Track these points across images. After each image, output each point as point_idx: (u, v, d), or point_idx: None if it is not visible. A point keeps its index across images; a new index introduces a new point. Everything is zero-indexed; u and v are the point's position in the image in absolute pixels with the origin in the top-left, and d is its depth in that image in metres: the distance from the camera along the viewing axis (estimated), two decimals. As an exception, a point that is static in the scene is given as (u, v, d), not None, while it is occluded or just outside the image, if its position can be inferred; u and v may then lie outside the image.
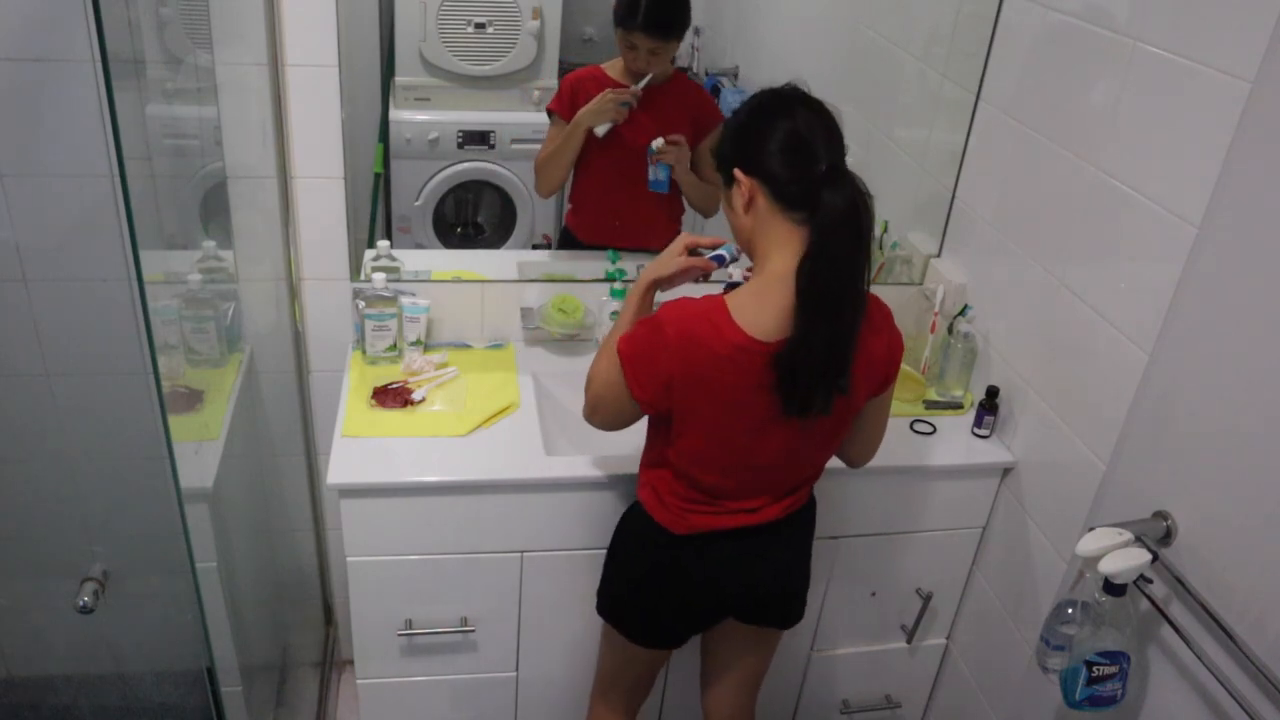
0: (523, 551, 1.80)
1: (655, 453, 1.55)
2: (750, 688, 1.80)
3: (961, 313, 2.01)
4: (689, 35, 2.35)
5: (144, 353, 1.20)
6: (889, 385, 1.52)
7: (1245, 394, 1.37)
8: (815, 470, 1.60)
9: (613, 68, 2.09)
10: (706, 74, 2.43)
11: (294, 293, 2.02)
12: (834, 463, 1.83)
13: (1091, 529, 1.50)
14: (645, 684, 1.82)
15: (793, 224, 1.35)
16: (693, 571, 1.58)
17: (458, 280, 2.07)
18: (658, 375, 1.40)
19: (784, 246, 1.36)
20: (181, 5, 1.83)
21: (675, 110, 2.10)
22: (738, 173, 1.37)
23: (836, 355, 1.35)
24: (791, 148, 1.33)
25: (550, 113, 2.11)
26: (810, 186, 1.31)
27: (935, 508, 1.95)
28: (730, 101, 2.40)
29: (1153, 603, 1.49)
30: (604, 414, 1.52)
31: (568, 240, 2.26)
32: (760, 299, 1.37)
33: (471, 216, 2.38)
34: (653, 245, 2.04)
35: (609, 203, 2.18)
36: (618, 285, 2.04)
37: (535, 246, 2.32)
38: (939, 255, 2.15)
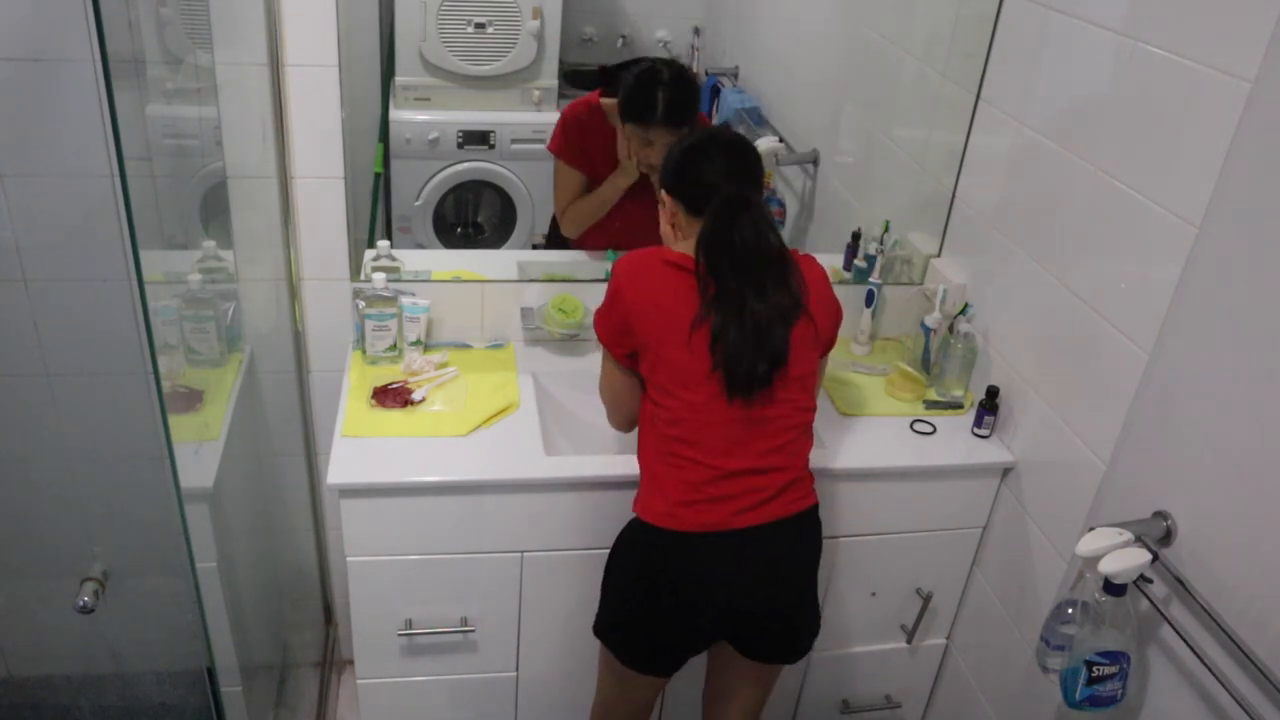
0: (522, 551, 1.80)
1: (644, 424, 1.61)
2: (752, 715, 1.79)
3: (962, 312, 2.01)
4: (689, 35, 2.36)
5: (144, 353, 1.21)
6: (835, 335, 1.67)
7: (1245, 394, 1.37)
8: (794, 428, 1.57)
9: (611, 110, 2.06)
10: (706, 74, 2.43)
11: (294, 293, 2.02)
12: (834, 463, 1.84)
13: (1091, 529, 1.50)
14: (642, 716, 1.83)
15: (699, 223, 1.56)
16: (681, 574, 1.56)
17: (458, 280, 2.07)
18: (614, 315, 1.58)
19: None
20: (181, 5, 1.83)
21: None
22: (663, 194, 1.61)
23: (764, 326, 1.50)
24: (691, 166, 1.58)
25: (555, 154, 2.10)
26: (706, 192, 1.55)
27: (935, 508, 1.95)
28: (730, 101, 2.41)
29: (1153, 603, 1.49)
30: (612, 398, 1.68)
31: (558, 239, 2.26)
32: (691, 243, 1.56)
33: (471, 216, 2.38)
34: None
35: (604, 222, 2.17)
36: (618, 285, 2.04)
37: (535, 246, 2.32)
38: (939, 255, 2.15)
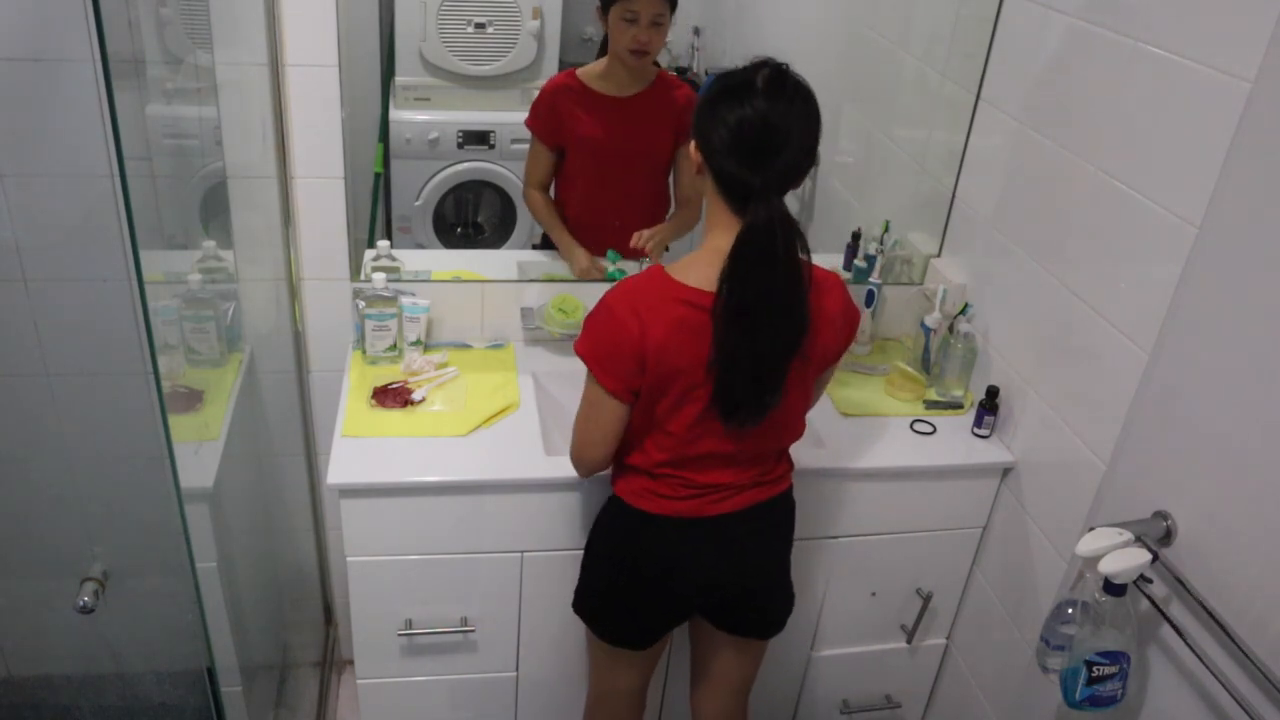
0: (523, 551, 1.80)
1: (633, 442, 1.57)
2: (736, 693, 1.80)
3: (962, 312, 2.01)
4: (689, 35, 2.36)
5: (144, 353, 1.21)
6: (841, 354, 1.57)
7: (1245, 394, 1.36)
8: (778, 441, 1.58)
9: (590, 73, 2.06)
10: (706, 73, 2.43)
11: (294, 293, 2.02)
12: (833, 463, 1.84)
13: (1091, 529, 1.50)
14: (633, 708, 1.83)
15: (731, 211, 1.40)
16: (653, 551, 1.59)
17: (458, 280, 2.07)
18: (622, 356, 1.42)
19: (725, 228, 1.40)
20: (181, 5, 1.83)
21: (658, 115, 2.08)
22: (693, 146, 1.42)
23: (763, 372, 1.42)
24: (738, 148, 1.35)
25: (529, 128, 2.10)
26: (744, 192, 1.36)
27: (935, 508, 1.95)
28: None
29: (1153, 603, 1.49)
30: (592, 437, 1.52)
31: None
32: (700, 263, 1.42)
33: (471, 216, 2.38)
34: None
35: (597, 211, 2.17)
36: (618, 285, 2.04)
37: (535, 246, 2.32)
38: (939, 255, 2.15)
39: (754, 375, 1.43)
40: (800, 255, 1.39)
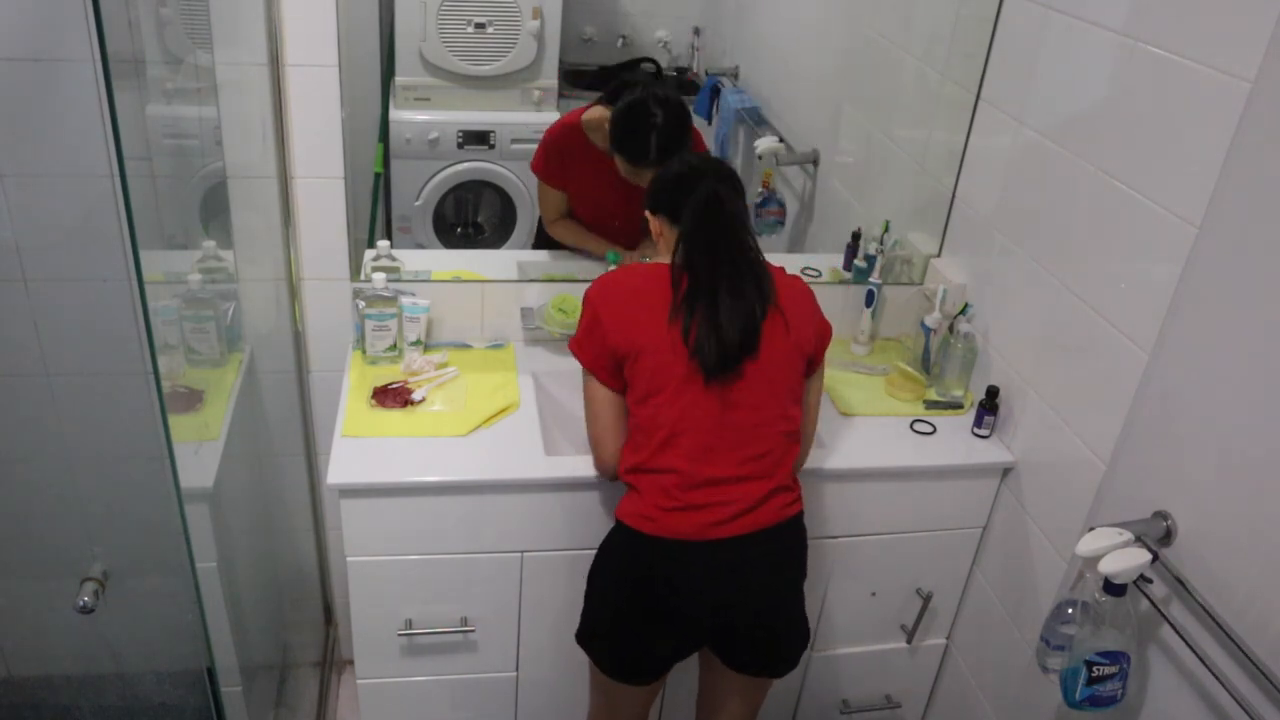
0: (523, 551, 1.80)
1: (628, 439, 1.61)
2: None
3: (962, 312, 2.01)
4: (689, 35, 2.36)
5: (144, 353, 1.21)
6: (821, 352, 1.66)
7: (1245, 394, 1.37)
8: (763, 419, 1.56)
9: (593, 125, 2.03)
10: (707, 74, 2.43)
11: (294, 293, 2.02)
12: (833, 463, 1.84)
13: (1091, 529, 1.50)
14: None
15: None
16: (659, 572, 1.56)
17: (458, 280, 2.07)
18: (595, 337, 1.59)
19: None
20: (181, 5, 1.83)
21: None
22: (649, 214, 1.65)
23: (733, 310, 1.53)
24: (678, 192, 1.61)
25: (536, 174, 2.12)
26: (681, 204, 1.59)
27: (935, 508, 1.95)
28: (730, 101, 2.41)
29: (1153, 603, 1.49)
30: (599, 425, 1.64)
31: (544, 242, 2.26)
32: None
33: (471, 216, 2.38)
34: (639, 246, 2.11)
35: (605, 220, 2.18)
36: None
37: (535, 246, 2.32)
38: (939, 255, 2.15)
39: (726, 313, 1.52)
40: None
